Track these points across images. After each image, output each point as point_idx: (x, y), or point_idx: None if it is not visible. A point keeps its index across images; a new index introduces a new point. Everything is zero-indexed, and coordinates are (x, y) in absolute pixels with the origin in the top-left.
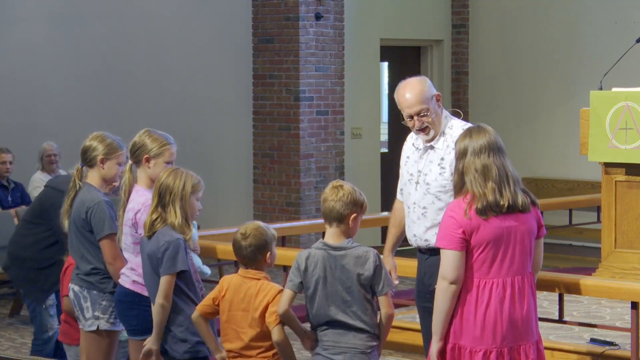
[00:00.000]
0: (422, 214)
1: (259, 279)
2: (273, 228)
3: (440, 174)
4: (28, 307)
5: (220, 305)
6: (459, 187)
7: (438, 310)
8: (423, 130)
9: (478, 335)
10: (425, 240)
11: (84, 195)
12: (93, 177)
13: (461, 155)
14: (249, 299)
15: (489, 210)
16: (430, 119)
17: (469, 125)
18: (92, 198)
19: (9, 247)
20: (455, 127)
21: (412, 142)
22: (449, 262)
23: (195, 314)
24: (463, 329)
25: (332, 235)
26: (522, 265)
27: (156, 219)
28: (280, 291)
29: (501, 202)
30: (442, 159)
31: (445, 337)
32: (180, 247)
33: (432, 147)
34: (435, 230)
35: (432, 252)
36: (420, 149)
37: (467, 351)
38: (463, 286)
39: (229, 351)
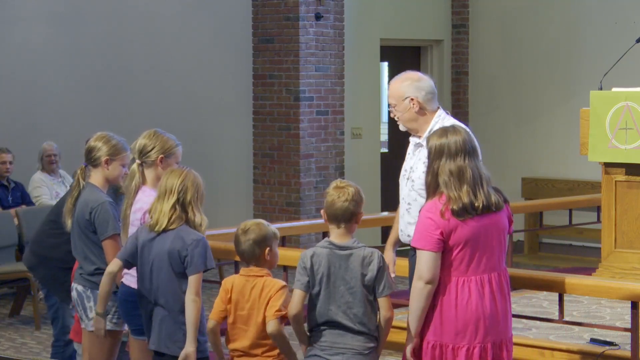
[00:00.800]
0: (407, 209)
1: (262, 276)
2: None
3: (423, 172)
4: (49, 308)
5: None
6: (433, 187)
7: (413, 309)
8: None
9: (460, 332)
10: (408, 235)
11: (88, 195)
12: (96, 177)
13: (436, 155)
14: (254, 297)
15: (464, 212)
16: (396, 115)
17: (458, 123)
18: (95, 199)
19: (33, 246)
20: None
21: (410, 138)
22: (426, 262)
23: (212, 324)
24: (444, 327)
25: (339, 235)
26: (498, 262)
27: (176, 216)
28: (284, 287)
29: (476, 204)
30: (427, 156)
31: (421, 335)
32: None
33: (421, 145)
34: None
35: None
36: (413, 146)
37: (449, 349)
38: (442, 285)
39: (235, 350)
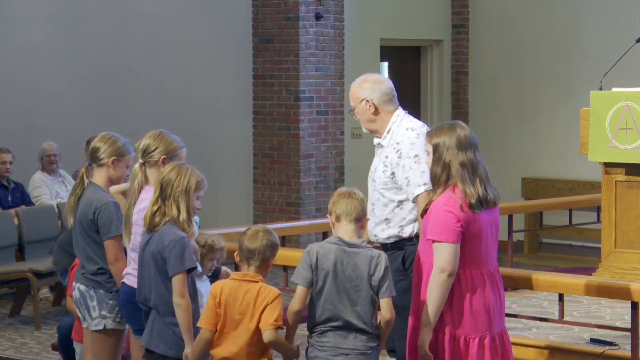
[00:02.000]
0: (372, 210)
1: (257, 282)
2: (273, 228)
3: (383, 171)
4: None
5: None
6: (444, 180)
7: (434, 302)
8: None
9: (474, 323)
10: (375, 235)
11: (91, 195)
12: (100, 176)
13: (446, 148)
14: (247, 302)
15: (480, 205)
16: (356, 116)
17: (417, 122)
18: (99, 199)
19: (67, 248)
20: (402, 125)
21: (374, 139)
22: (449, 254)
23: (207, 334)
24: (460, 319)
25: (348, 232)
26: (496, 254)
27: (156, 211)
28: (279, 295)
29: (488, 197)
30: (387, 157)
31: (438, 327)
32: (186, 245)
33: (381, 145)
34: (382, 227)
35: (385, 248)
36: (375, 146)
37: (462, 339)
38: (456, 277)
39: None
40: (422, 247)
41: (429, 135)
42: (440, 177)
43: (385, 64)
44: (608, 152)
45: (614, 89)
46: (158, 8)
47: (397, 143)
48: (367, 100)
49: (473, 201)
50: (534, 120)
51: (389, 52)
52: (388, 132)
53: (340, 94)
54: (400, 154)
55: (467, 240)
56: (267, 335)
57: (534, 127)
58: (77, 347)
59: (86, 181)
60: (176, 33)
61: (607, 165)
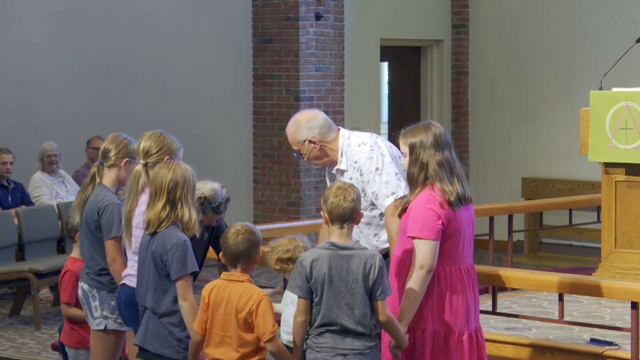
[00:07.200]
0: (359, 232)
1: (242, 282)
2: (273, 228)
3: None
4: None
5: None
6: (422, 179)
7: (413, 298)
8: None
9: (453, 320)
10: (376, 245)
11: (97, 196)
12: (109, 177)
13: (422, 148)
14: (232, 303)
15: (459, 203)
16: (305, 158)
17: (365, 135)
18: (104, 199)
19: None
20: (353, 144)
21: (327, 171)
22: (429, 251)
23: (198, 337)
24: (439, 315)
25: (341, 236)
26: (472, 251)
27: (165, 216)
28: (264, 298)
29: (465, 195)
30: (351, 178)
31: (413, 324)
32: (188, 249)
33: (341, 170)
34: (375, 242)
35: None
36: (334, 174)
37: (441, 336)
38: (436, 274)
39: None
40: (401, 246)
41: (404, 136)
42: (417, 177)
43: (385, 64)
44: (608, 152)
45: (614, 89)
46: (158, 8)
47: (355, 162)
48: (310, 140)
49: (452, 199)
50: (534, 120)
51: (389, 52)
52: (342, 155)
53: (340, 94)
54: (362, 172)
55: (447, 238)
56: (270, 346)
57: (534, 127)
58: (69, 351)
59: (97, 180)
60: (176, 33)
61: (607, 165)
